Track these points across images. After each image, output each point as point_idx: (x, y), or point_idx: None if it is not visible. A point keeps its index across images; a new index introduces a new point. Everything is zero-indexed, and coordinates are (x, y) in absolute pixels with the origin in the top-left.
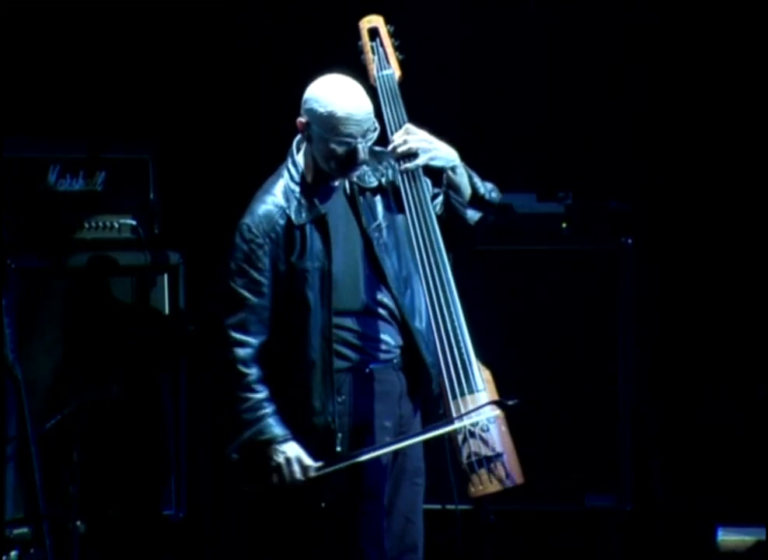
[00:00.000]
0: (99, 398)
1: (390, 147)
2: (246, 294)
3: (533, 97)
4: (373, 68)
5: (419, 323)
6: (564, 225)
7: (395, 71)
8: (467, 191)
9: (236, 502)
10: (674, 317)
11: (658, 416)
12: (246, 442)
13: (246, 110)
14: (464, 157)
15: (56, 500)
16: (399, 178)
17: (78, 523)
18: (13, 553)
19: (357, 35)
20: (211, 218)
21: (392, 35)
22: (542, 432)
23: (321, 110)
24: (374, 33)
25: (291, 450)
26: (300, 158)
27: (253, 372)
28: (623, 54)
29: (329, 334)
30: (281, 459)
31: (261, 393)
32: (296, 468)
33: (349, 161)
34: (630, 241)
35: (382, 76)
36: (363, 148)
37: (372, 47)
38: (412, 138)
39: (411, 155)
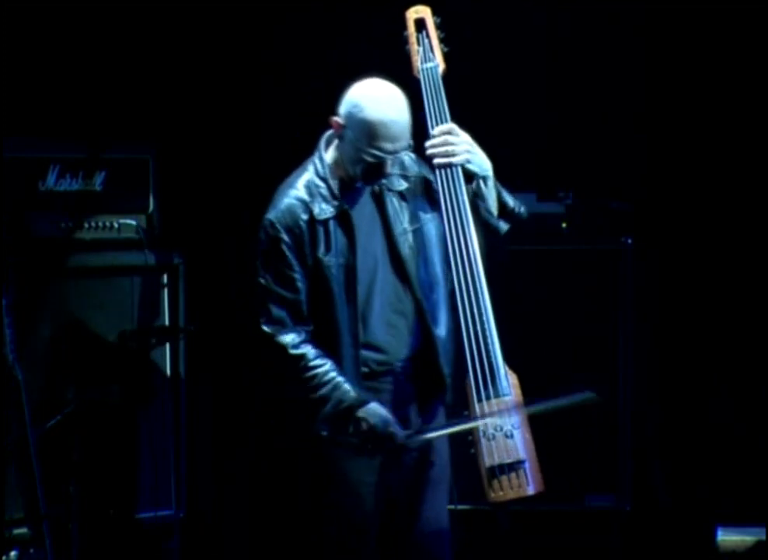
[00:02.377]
0: (99, 398)
1: (428, 143)
2: (279, 289)
3: (533, 97)
4: (417, 60)
5: (440, 331)
6: (564, 225)
7: (439, 64)
8: (494, 205)
9: (236, 502)
10: (674, 317)
11: (658, 416)
12: (330, 416)
13: (246, 110)
14: None
15: (56, 500)
16: (437, 176)
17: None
18: (13, 553)
19: (403, 25)
20: (212, 219)
21: (438, 27)
22: (542, 432)
23: (359, 117)
24: (420, 23)
25: (377, 416)
26: (329, 154)
27: (308, 350)
28: (623, 53)
29: (355, 331)
30: (366, 426)
31: (325, 366)
32: (384, 435)
33: (374, 172)
34: (629, 241)
35: (426, 69)
36: (391, 163)
37: (418, 39)
38: (453, 138)
39: (449, 154)
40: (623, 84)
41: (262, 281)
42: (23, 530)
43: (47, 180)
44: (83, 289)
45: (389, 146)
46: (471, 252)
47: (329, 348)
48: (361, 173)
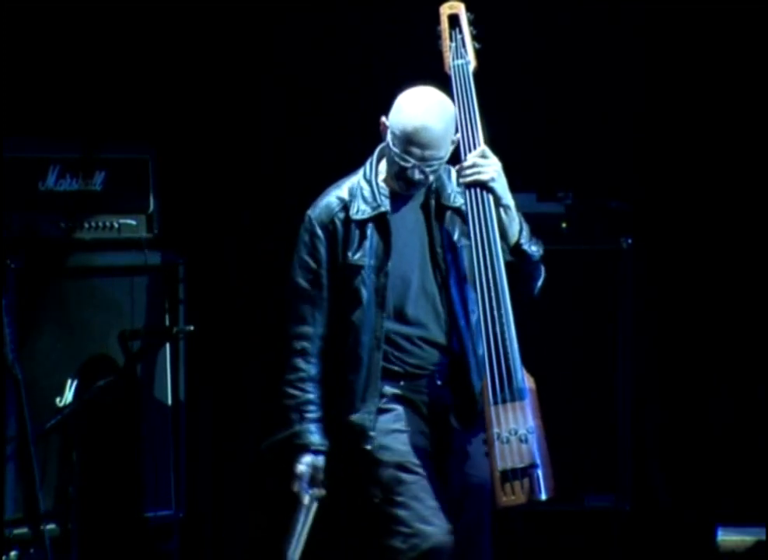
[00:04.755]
0: (99, 398)
1: (458, 167)
2: (305, 285)
3: (533, 97)
4: (449, 56)
5: (477, 349)
6: (564, 225)
7: (471, 60)
8: (512, 238)
9: (236, 502)
10: (674, 317)
11: (657, 416)
12: (281, 442)
13: (246, 110)
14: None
15: (56, 500)
16: (467, 196)
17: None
18: (13, 553)
19: (437, 20)
20: (211, 218)
21: (471, 23)
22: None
23: (395, 119)
24: (454, 19)
25: (317, 464)
26: (382, 162)
27: (308, 368)
28: (623, 53)
29: (380, 334)
30: (303, 469)
31: (310, 394)
32: (305, 485)
33: (403, 178)
34: (630, 241)
35: (457, 65)
36: (420, 170)
37: (451, 34)
38: (483, 160)
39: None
40: (623, 84)
41: (293, 275)
42: (23, 530)
43: (47, 180)
44: (83, 289)
45: (417, 152)
46: (494, 254)
47: (349, 348)
48: (394, 176)
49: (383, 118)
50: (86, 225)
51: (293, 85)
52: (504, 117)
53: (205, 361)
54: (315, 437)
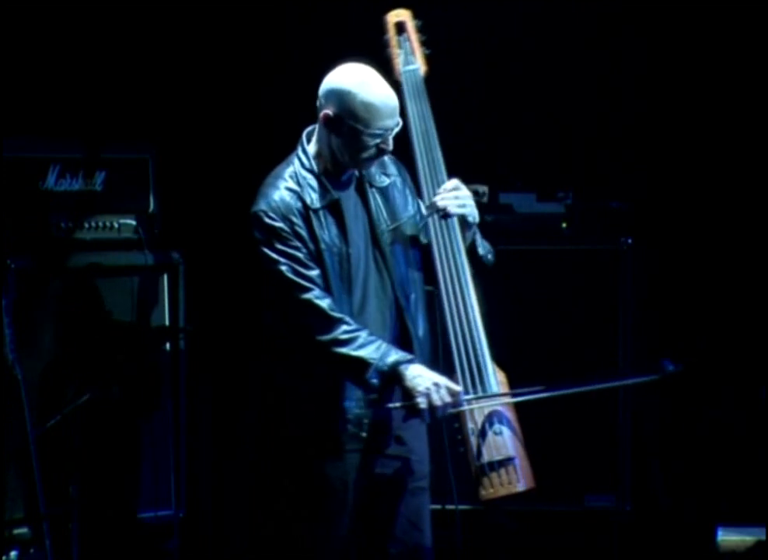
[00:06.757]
0: (99, 398)
1: (440, 197)
2: (298, 267)
3: (533, 97)
4: (398, 63)
5: (418, 331)
6: (564, 225)
7: (420, 66)
8: (467, 242)
9: (236, 502)
10: (674, 317)
11: (658, 416)
12: (379, 373)
13: (246, 110)
14: (464, 157)
15: (56, 500)
16: (432, 219)
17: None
18: (13, 553)
19: (382, 29)
20: (212, 218)
21: (419, 30)
22: (542, 432)
23: (356, 103)
24: (400, 27)
25: (428, 373)
26: (311, 148)
27: (345, 315)
28: (624, 53)
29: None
30: (425, 384)
31: (365, 330)
32: (445, 393)
33: (378, 153)
34: (630, 241)
35: (408, 71)
36: (391, 138)
37: (398, 41)
38: (461, 193)
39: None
40: (624, 84)
41: (280, 269)
42: (23, 530)
43: (47, 180)
44: (83, 289)
45: (390, 122)
46: (456, 250)
47: None
48: (365, 159)
49: (326, 111)
50: (86, 225)
51: (293, 85)
52: (504, 117)
53: (205, 361)
54: (399, 352)
